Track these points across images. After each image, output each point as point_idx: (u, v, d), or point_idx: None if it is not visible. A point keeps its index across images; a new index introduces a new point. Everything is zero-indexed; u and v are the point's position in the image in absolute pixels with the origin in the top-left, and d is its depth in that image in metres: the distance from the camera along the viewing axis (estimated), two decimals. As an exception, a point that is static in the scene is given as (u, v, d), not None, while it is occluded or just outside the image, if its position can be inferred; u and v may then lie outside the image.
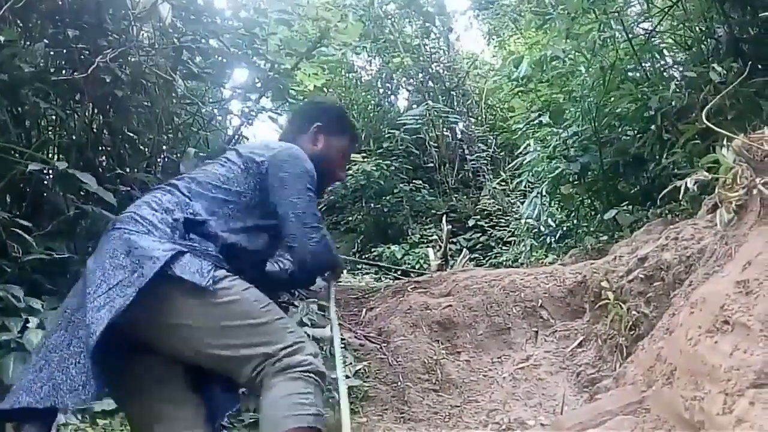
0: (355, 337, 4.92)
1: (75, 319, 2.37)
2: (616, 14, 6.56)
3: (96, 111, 4.66)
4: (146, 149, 4.93)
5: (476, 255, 10.89)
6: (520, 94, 8.79)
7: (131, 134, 4.81)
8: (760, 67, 5.15)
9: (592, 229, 7.55)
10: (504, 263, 9.67)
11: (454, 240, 11.23)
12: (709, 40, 6.03)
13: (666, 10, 6.29)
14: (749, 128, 2.62)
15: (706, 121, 2.55)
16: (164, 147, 5.08)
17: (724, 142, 2.63)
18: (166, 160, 5.15)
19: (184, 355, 2.46)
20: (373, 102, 13.59)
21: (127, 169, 4.62)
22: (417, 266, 10.48)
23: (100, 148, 4.78)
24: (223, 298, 2.38)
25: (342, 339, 4.66)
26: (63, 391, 2.25)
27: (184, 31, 4.95)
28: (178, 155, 4.96)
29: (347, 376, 4.28)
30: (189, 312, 2.38)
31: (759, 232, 2.33)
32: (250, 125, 5.94)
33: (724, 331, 2.12)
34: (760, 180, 2.24)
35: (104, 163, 4.80)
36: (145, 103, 4.80)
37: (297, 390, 2.33)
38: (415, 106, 12.94)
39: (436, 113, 12.31)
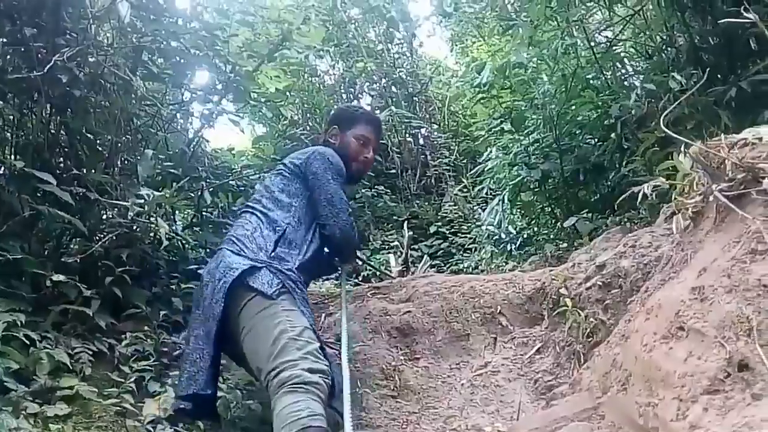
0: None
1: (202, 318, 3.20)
2: (579, 22, 6.61)
3: (53, 111, 4.58)
4: (104, 150, 4.85)
5: (437, 261, 10.86)
6: (482, 100, 8.81)
7: (89, 135, 4.74)
8: (719, 76, 5.21)
9: (552, 236, 7.59)
10: (465, 270, 9.65)
11: (416, 246, 11.18)
12: (669, 48, 6.08)
13: (627, 18, 6.35)
14: (706, 136, 2.64)
15: (664, 129, 2.56)
16: (123, 148, 5.00)
17: (682, 149, 2.64)
18: (125, 161, 5.07)
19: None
20: (335, 106, 13.51)
21: (84, 170, 4.55)
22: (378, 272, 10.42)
23: (57, 148, 4.69)
24: (277, 310, 3.07)
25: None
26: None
27: (143, 31, 4.87)
28: (138, 156, 4.88)
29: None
30: (251, 314, 3.07)
31: (715, 239, 2.34)
32: (211, 127, 5.87)
33: (678, 337, 2.13)
34: (716, 187, 2.25)
35: (61, 164, 4.71)
36: (104, 104, 4.72)
37: (288, 402, 2.76)
38: (378, 111, 12.90)
39: (398, 119, 12.28)
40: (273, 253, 3.31)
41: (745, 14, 2.13)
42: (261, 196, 3.67)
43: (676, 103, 3.52)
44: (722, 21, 4.28)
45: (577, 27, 6.76)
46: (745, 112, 4.73)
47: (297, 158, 3.73)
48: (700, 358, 1.98)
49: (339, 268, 4.30)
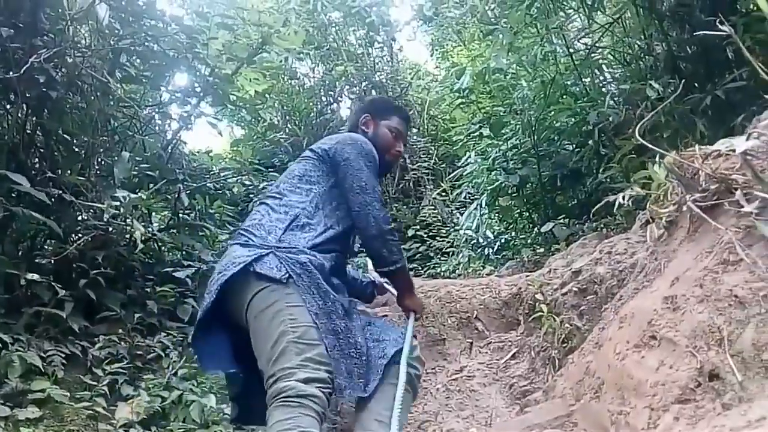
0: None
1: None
2: (558, 29, 6.64)
3: (30, 111, 4.55)
4: (81, 152, 4.82)
5: (415, 265, 10.88)
6: (461, 105, 8.83)
7: (66, 136, 4.71)
8: (696, 84, 5.25)
9: (529, 241, 7.62)
10: (442, 274, 9.67)
11: (394, 250, 11.18)
12: (647, 57, 6.12)
13: (606, 26, 6.38)
14: (681, 145, 2.66)
15: (639, 138, 2.57)
16: (100, 150, 4.96)
17: (657, 159, 2.66)
18: (102, 163, 5.03)
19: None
20: (315, 110, 13.50)
21: (60, 171, 4.52)
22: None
23: (33, 149, 4.66)
24: (281, 307, 2.82)
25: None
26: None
27: (121, 33, 4.85)
28: (114, 158, 4.85)
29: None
30: (255, 311, 2.86)
31: (688, 249, 2.36)
32: (189, 130, 5.85)
33: (651, 346, 2.14)
34: (689, 197, 2.27)
35: (37, 165, 4.68)
36: (81, 105, 4.69)
37: (279, 418, 2.59)
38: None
39: (378, 123, 12.28)
40: (282, 236, 3.04)
41: (720, 27, 2.14)
42: (279, 183, 3.40)
43: (654, 111, 3.53)
44: (697, 33, 4.32)
45: (556, 34, 6.80)
46: (721, 120, 4.78)
47: (325, 143, 3.42)
48: (671, 368, 1.99)
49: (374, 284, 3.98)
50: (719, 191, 2.17)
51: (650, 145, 2.54)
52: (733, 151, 2.10)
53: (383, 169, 3.57)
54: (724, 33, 2.19)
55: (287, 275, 2.86)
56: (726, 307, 1.92)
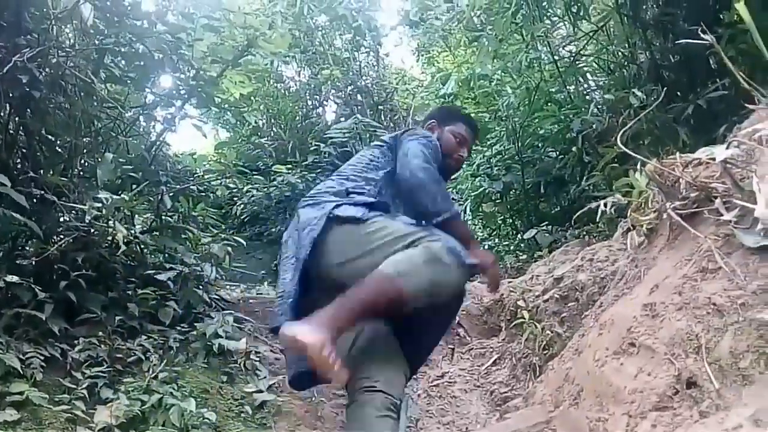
0: (271, 350, 4.84)
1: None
2: (543, 37, 6.68)
3: (12, 111, 4.51)
4: (63, 152, 4.79)
5: (398, 270, 10.86)
6: (446, 111, 8.83)
7: (49, 136, 4.68)
8: (678, 93, 5.29)
9: (512, 247, 7.64)
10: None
11: (377, 254, 11.17)
12: (631, 65, 6.16)
13: (591, 34, 6.43)
14: (662, 153, 2.67)
15: (621, 145, 2.58)
16: (83, 151, 4.93)
17: (638, 166, 2.68)
18: (85, 164, 5.00)
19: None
20: (300, 113, 13.47)
21: (42, 172, 4.49)
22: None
23: (15, 149, 4.62)
24: (371, 227, 2.90)
25: (257, 352, 4.60)
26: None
27: (106, 33, 4.82)
28: (98, 159, 4.82)
29: (261, 390, 4.22)
30: (349, 238, 2.92)
31: (667, 256, 2.37)
32: (173, 132, 5.82)
33: (630, 353, 2.14)
34: (669, 205, 2.28)
35: (19, 165, 4.64)
36: (64, 105, 4.66)
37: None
38: (343, 119, 12.86)
39: (363, 127, 12.27)
40: (346, 200, 3.10)
41: (702, 36, 2.16)
42: (345, 167, 3.47)
43: (636, 119, 3.56)
44: (679, 42, 4.35)
45: (541, 41, 6.83)
46: (703, 129, 4.81)
47: (395, 133, 3.56)
48: (650, 375, 2.00)
49: None
50: (699, 199, 2.18)
51: (632, 153, 2.55)
52: (713, 159, 2.11)
53: (445, 173, 3.49)
54: (706, 42, 2.21)
55: (368, 212, 2.99)
56: (704, 315, 1.93)
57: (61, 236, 4.37)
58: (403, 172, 3.14)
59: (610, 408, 2.11)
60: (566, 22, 6.79)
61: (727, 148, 2.09)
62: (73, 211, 4.46)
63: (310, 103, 13.65)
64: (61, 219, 4.55)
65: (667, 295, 2.13)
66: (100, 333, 4.16)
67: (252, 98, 10.47)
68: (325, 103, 13.75)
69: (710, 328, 1.90)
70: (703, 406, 1.80)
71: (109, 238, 4.70)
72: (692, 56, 5.11)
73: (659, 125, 5.02)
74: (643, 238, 2.68)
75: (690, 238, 2.21)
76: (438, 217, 3.05)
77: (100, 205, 4.16)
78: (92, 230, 4.51)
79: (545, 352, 4.05)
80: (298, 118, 13.52)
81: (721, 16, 4.90)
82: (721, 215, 2.04)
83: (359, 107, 12.86)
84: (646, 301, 2.21)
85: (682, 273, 2.13)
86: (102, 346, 4.06)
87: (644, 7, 5.80)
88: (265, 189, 11.58)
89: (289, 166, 11.84)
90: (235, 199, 11.67)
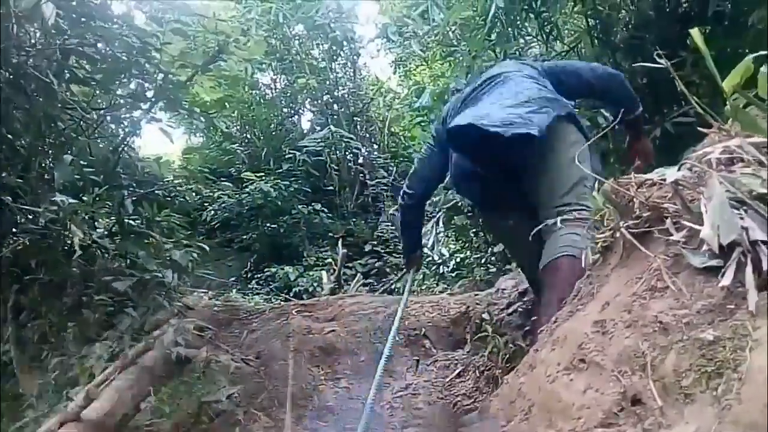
0: (232, 359, 4.78)
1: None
2: (516, 55, 6.69)
3: (-31, 112, 4.44)
4: (23, 153, 4.71)
5: (371, 280, 10.88)
6: (420, 123, 8.87)
7: (8, 136, 4.60)
8: (646, 115, 5.31)
9: (483, 261, 7.65)
10: (397, 290, 9.68)
11: (350, 264, 11.19)
12: (599, 86, 6.20)
13: (563, 54, 6.44)
14: (617, 173, 2.69)
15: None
16: (47, 152, 4.86)
17: (596, 185, 2.68)
18: (44, 166, 4.92)
19: None
20: (275, 121, 13.47)
21: (-1, 172, 4.42)
22: (310, 289, 10.37)
23: (-29, 150, 4.55)
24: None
25: (218, 361, 4.54)
26: None
27: (70, 33, 4.75)
28: (59, 161, 4.75)
29: (219, 400, 4.16)
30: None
31: (620, 274, 2.36)
32: (137, 135, 5.75)
33: (579, 369, 2.13)
34: (623, 223, 2.27)
35: (-25, 166, 4.57)
36: (25, 106, 4.58)
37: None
38: (318, 128, 12.90)
39: (338, 137, 12.29)
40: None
41: (658, 60, 2.17)
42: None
43: (598, 135, 3.58)
44: (637, 65, 4.41)
45: (514, 59, 6.84)
46: (669, 151, 4.82)
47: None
48: (597, 391, 1.98)
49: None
50: (651, 219, 2.18)
51: (592, 174, 2.56)
52: (665, 180, 2.11)
53: None
54: (668, 66, 2.21)
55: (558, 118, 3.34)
56: (651, 333, 1.92)
57: (15, 238, 4.29)
58: (596, 69, 3.62)
59: (559, 424, 2.08)
60: (539, 42, 6.82)
61: (679, 169, 2.09)
62: (28, 214, 4.38)
63: (285, 111, 13.66)
64: (19, 221, 4.48)
65: (617, 312, 2.11)
66: (52, 340, 4.10)
67: (225, 104, 10.43)
68: (300, 111, 13.79)
69: (656, 346, 1.88)
70: (647, 424, 1.78)
71: (68, 242, 4.62)
72: (659, 80, 5.14)
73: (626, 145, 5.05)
74: (598, 255, 2.67)
75: (642, 257, 2.20)
76: (637, 111, 3.77)
77: (56, 207, 4.09)
78: (47, 233, 4.43)
79: (508, 365, 4.05)
80: (273, 125, 13.53)
81: (687, 41, 4.93)
82: (671, 235, 2.03)
83: (335, 117, 12.90)
84: (597, 318, 2.20)
85: (632, 291, 2.12)
86: (52, 352, 4.00)
87: (615, 29, 5.84)
88: (237, 196, 11.55)
89: (262, 173, 11.83)
90: (206, 204, 11.62)
